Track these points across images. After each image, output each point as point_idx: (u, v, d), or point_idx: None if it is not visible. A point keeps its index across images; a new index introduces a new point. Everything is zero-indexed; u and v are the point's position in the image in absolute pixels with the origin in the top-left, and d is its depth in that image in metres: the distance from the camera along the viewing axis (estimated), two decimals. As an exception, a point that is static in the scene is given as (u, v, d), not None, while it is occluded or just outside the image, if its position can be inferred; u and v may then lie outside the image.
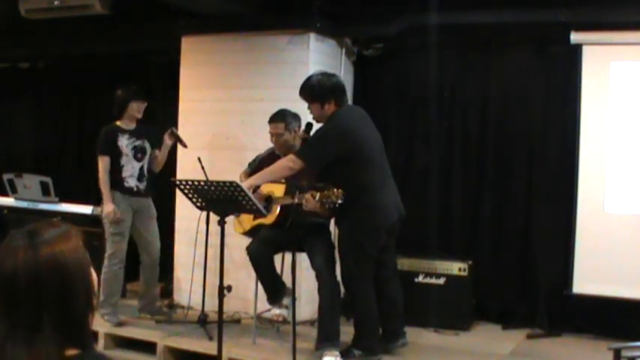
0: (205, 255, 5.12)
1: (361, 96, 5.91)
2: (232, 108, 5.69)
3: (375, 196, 4.33)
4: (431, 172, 5.72)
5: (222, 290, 3.94)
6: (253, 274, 4.82)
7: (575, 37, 5.02)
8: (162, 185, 5.95)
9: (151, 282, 5.35)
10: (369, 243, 4.36)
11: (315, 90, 4.40)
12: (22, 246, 1.42)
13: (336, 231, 4.73)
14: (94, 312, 1.50)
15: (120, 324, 5.13)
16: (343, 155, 4.28)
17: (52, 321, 1.40)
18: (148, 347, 4.90)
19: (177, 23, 5.81)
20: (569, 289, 5.09)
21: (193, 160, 5.23)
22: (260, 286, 4.79)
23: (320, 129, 4.43)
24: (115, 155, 5.11)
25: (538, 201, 5.42)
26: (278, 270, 4.94)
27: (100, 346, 4.96)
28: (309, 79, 4.47)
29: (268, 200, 4.65)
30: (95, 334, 4.96)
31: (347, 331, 4.58)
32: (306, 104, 4.50)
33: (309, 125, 4.45)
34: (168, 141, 5.24)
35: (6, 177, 6.20)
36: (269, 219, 4.64)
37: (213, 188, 3.99)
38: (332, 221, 4.91)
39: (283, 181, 4.57)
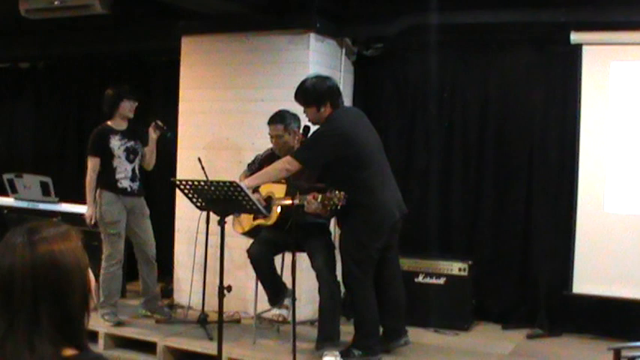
0: (205, 255, 5.12)
1: (361, 96, 5.92)
2: (232, 108, 5.69)
3: (375, 196, 4.33)
4: (431, 172, 5.72)
5: (222, 290, 3.95)
6: (253, 274, 4.82)
7: (575, 37, 5.01)
8: (162, 185, 5.98)
9: (149, 280, 5.35)
10: (371, 243, 4.36)
11: (310, 93, 4.40)
12: (20, 242, 1.44)
13: (337, 231, 4.73)
14: (89, 313, 1.51)
15: (120, 324, 5.13)
16: (341, 156, 4.29)
17: (48, 318, 1.41)
18: (148, 347, 4.90)
19: (177, 23, 5.81)
20: (569, 289, 5.09)
21: (193, 160, 5.22)
22: (260, 286, 4.79)
23: (317, 130, 4.44)
24: (107, 157, 5.11)
25: (538, 201, 5.43)
26: (278, 270, 4.94)
27: (100, 346, 4.96)
28: (303, 83, 4.47)
29: (268, 201, 4.65)
30: (95, 334, 4.97)
31: (347, 331, 4.58)
32: (303, 107, 4.52)
33: (306, 128, 4.46)
34: (153, 134, 5.25)
35: (6, 177, 6.20)
36: (270, 220, 4.64)
37: (213, 188, 4.00)
38: (332, 221, 4.93)
39: (284, 181, 4.57)
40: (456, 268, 5.30)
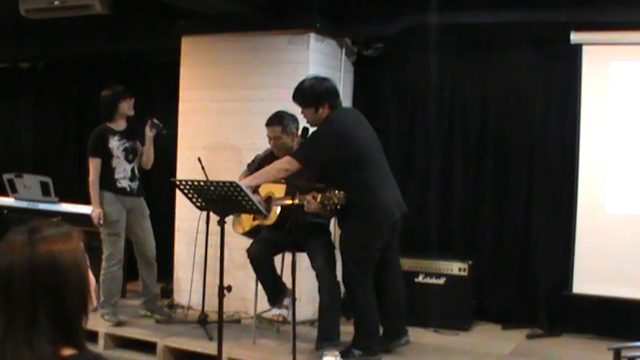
0: (205, 255, 5.12)
1: (361, 96, 5.92)
2: (232, 108, 5.69)
3: (375, 195, 4.34)
4: (431, 171, 5.72)
5: (222, 290, 3.95)
6: (253, 274, 4.82)
7: (575, 37, 5.01)
8: (162, 185, 5.97)
9: (149, 280, 5.35)
10: (371, 243, 4.36)
11: (309, 94, 4.41)
12: (20, 241, 1.45)
13: (337, 231, 4.73)
14: (87, 314, 1.51)
15: (120, 324, 5.14)
16: (340, 156, 4.29)
17: (46, 317, 1.42)
18: (148, 347, 4.90)
19: (177, 23, 5.81)
20: (569, 289, 5.09)
21: (193, 160, 5.22)
22: (260, 286, 4.79)
23: (315, 130, 4.44)
24: (106, 157, 5.12)
25: (538, 201, 5.43)
26: (278, 270, 4.94)
27: (100, 346, 4.97)
28: (301, 84, 4.48)
29: (268, 201, 4.65)
30: (95, 334, 4.98)
31: (347, 331, 4.58)
32: (302, 107, 4.52)
33: (305, 130, 4.46)
34: (149, 132, 5.24)
35: (6, 177, 6.20)
36: (269, 220, 4.64)
37: (213, 188, 4.00)
38: (332, 221, 4.92)
39: (283, 181, 4.58)
40: (455, 268, 5.30)
